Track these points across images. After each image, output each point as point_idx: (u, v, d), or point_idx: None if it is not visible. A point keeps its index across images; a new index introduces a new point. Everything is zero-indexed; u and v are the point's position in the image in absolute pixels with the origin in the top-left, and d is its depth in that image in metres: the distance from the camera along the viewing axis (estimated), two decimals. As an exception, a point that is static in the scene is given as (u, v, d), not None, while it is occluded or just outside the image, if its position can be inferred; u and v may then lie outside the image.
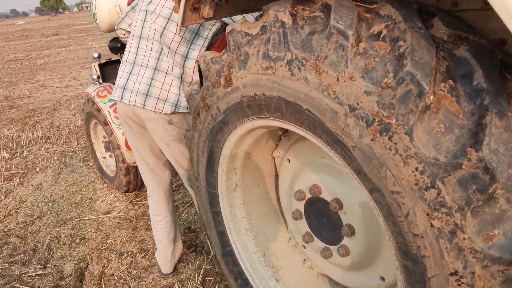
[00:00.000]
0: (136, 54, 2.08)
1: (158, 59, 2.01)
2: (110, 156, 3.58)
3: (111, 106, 3.18)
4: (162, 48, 1.99)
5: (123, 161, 3.22)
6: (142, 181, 3.50)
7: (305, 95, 1.13)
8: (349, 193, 1.41)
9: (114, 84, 3.66)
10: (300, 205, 1.62)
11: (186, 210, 3.23)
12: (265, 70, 1.24)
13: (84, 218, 3.21)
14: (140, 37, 2.08)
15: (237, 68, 1.35)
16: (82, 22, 33.62)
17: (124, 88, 2.08)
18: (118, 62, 3.95)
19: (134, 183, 3.43)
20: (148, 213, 3.22)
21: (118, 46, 3.83)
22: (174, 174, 2.87)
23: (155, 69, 2.01)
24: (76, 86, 8.80)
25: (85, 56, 13.22)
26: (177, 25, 1.54)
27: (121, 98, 2.08)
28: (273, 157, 1.79)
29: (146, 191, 3.60)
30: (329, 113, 1.08)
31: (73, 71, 10.83)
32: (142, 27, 2.07)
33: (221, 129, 1.55)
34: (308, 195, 1.56)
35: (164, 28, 1.98)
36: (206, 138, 1.64)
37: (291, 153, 1.67)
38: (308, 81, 1.11)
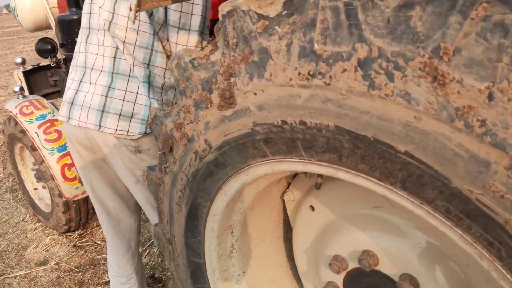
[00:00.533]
0: (86, 53, 1.40)
1: (115, 57, 1.34)
2: (44, 188, 2.83)
3: (39, 126, 2.44)
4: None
5: (60, 195, 2.50)
6: (87, 217, 2.80)
7: (404, 127, 0.58)
8: (429, 267, 0.89)
9: (42, 96, 2.94)
10: (338, 278, 1.07)
11: (147, 251, 2.58)
12: (306, 79, 0.68)
13: (11, 275, 2.44)
14: (89, 29, 1.39)
15: (246, 77, 0.78)
16: (12, 24, 30.73)
17: (72, 103, 1.39)
18: (48, 68, 3.21)
19: (76, 221, 2.71)
20: (98, 260, 2.53)
21: (48, 48, 3.12)
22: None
23: (113, 72, 1.33)
24: (4, 96, 7.64)
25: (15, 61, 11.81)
26: (130, 9, 0.94)
27: (68, 118, 1.40)
28: (282, 200, 1.23)
29: (92, 227, 2.90)
30: (465, 164, 0.54)
31: (0, 78, 9.55)
32: (90, 13, 1.39)
33: (212, 174, 0.97)
34: (352, 265, 1.02)
35: (113, 12, 1.32)
36: (186, 186, 1.05)
37: (316, 197, 1.12)
38: (412, 99, 0.57)
